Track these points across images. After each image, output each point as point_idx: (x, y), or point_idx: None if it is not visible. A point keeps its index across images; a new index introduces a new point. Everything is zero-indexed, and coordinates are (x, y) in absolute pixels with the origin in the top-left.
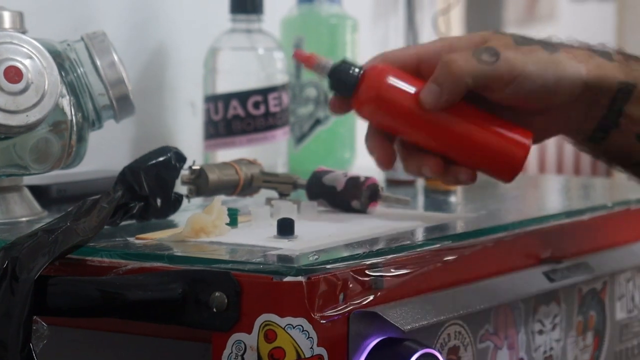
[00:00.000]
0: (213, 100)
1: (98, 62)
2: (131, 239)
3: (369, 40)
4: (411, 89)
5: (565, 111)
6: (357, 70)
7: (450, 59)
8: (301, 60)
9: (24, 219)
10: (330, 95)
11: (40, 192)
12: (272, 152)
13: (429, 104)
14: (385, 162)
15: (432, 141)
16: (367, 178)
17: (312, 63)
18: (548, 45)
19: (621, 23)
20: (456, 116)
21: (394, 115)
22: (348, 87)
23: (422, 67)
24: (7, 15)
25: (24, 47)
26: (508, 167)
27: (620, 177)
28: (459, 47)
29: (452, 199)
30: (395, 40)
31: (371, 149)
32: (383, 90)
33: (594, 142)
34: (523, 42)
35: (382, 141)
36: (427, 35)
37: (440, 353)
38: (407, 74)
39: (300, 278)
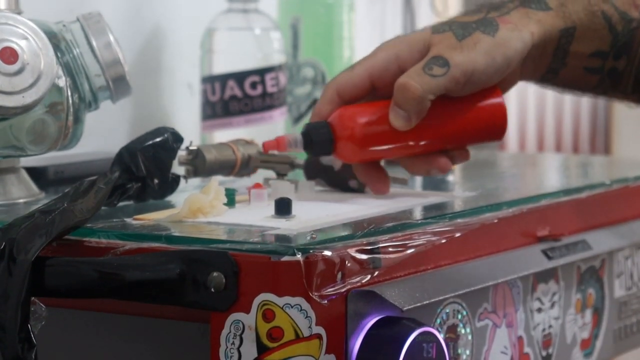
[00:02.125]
0: (210, 81)
1: (94, 43)
2: (129, 220)
3: (365, 20)
4: (382, 116)
5: (516, 70)
6: (325, 126)
7: (405, 84)
8: (273, 149)
9: (21, 200)
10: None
11: (37, 174)
12: (269, 132)
13: (401, 127)
14: (382, 190)
15: (424, 146)
16: None
17: (284, 143)
18: (487, 26)
19: None
20: (434, 113)
21: (380, 145)
22: (327, 145)
23: (376, 84)
24: None
25: (20, 28)
26: (496, 130)
27: (619, 155)
28: (405, 59)
29: (450, 178)
30: (392, 20)
31: (365, 180)
32: (359, 131)
33: (546, 82)
34: (464, 34)
35: (371, 169)
36: (424, 15)
37: (439, 332)
38: (365, 104)
39: (298, 257)
